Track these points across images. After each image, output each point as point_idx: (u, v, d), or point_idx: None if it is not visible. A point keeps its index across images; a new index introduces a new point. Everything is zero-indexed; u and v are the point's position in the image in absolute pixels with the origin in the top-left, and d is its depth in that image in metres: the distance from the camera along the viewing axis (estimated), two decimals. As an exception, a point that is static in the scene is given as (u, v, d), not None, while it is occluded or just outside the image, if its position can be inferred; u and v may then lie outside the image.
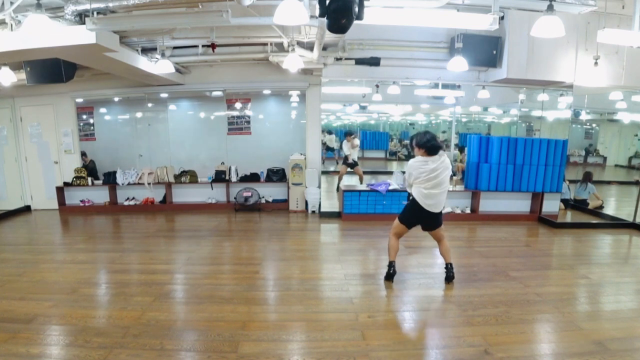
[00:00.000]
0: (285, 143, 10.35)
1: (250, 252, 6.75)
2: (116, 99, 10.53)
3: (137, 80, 8.99)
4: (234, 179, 10.04)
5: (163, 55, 7.64)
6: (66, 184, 10.05)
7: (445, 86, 9.32)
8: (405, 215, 5.35)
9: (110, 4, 4.97)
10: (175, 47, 8.33)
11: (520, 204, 9.08)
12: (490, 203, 9.00)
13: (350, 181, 10.34)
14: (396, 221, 5.42)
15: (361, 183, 8.14)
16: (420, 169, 5.01)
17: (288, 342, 3.90)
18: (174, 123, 10.72)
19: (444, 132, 11.89)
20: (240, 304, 4.72)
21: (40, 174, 10.31)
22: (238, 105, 10.46)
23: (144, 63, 7.55)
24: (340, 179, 10.14)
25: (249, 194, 9.72)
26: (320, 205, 9.41)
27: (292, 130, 10.64)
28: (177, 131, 10.69)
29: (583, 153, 11.18)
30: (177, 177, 10.08)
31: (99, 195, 10.12)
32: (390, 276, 5.43)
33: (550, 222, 8.60)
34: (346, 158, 10.29)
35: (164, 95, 10.30)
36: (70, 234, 8.34)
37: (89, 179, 10.01)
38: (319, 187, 9.48)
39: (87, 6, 4.98)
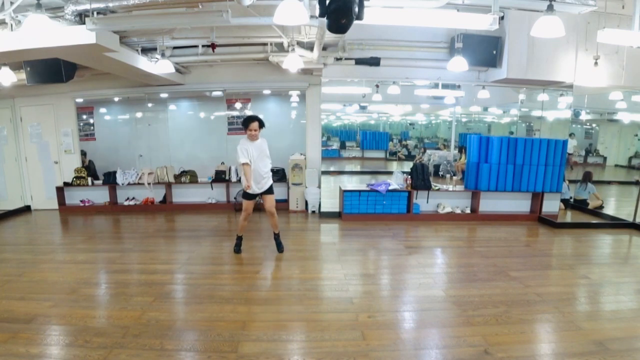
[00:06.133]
0: (285, 143, 10.34)
1: (250, 252, 6.75)
2: (116, 99, 10.52)
3: (137, 80, 8.98)
4: (234, 179, 10.03)
5: (163, 55, 7.63)
6: (66, 184, 10.06)
7: (445, 86, 9.30)
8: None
9: (110, 4, 4.97)
10: (175, 47, 8.32)
11: (520, 204, 9.08)
12: (490, 203, 9.00)
13: (350, 181, 10.34)
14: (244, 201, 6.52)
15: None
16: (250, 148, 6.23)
17: (288, 342, 3.90)
18: (174, 123, 10.71)
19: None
20: (240, 304, 4.73)
21: (40, 174, 10.31)
22: (238, 105, 10.46)
23: (143, 63, 7.55)
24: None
25: (249, 194, 9.71)
26: (320, 205, 9.40)
27: (292, 130, 10.63)
28: (177, 131, 10.68)
29: (583, 153, 11.19)
30: (177, 177, 10.07)
31: (98, 195, 10.12)
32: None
33: (550, 222, 8.60)
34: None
35: (164, 95, 10.30)
36: (70, 234, 8.34)
37: (89, 179, 10.01)
38: (319, 187, 9.45)
39: (87, 6, 4.98)
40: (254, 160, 6.21)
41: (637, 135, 10.56)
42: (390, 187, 8.84)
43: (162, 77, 8.33)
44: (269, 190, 6.47)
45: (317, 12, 4.66)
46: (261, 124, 6.37)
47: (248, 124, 6.25)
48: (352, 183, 10.32)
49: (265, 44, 8.45)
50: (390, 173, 10.52)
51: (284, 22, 4.57)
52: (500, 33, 7.86)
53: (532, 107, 9.71)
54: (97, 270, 5.97)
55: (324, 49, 8.31)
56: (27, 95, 9.82)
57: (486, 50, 8.08)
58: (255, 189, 6.28)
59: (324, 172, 9.69)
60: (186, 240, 7.56)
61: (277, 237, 6.75)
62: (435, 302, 4.83)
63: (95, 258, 6.52)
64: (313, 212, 9.46)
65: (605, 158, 11.27)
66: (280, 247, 6.71)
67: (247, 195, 6.35)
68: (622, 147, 11.07)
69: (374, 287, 5.33)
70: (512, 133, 10.31)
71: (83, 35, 5.27)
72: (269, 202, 6.49)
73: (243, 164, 6.13)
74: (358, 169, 11.89)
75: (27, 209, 10.37)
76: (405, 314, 4.57)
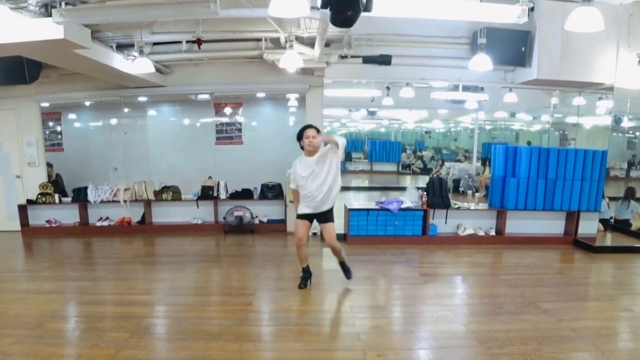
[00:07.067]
0: (282, 154, 10.33)
1: (242, 281, 6.78)
2: (87, 103, 10.58)
3: (112, 81, 9.07)
4: (223, 195, 10.04)
5: (141, 52, 7.59)
6: (30, 201, 10.05)
7: (466, 88, 9.35)
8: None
9: (81, -7, 5.01)
10: (155, 43, 8.41)
11: (552, 224, 9.07)
12: (518, 224, 8.99)
13: (357, 198, 10.36)
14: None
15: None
16: None
17: (285, 384, 3.92)
18: (154, 131, 10.76)
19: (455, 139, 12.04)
20: (230, 340, 4.73)
21: (0, 190, 10.32)
22: (228, 110, 10.52)
23: (119, 61, 7.62)
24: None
25: (241, 213, 9.73)
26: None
27: (290, 139, 10.55)
28: (157, 140, 10.73)
29: (625, 166, 11.20)
30: (158, 194, 10.10)
31: (67, 214, 10.10)
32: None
33: (587, 246, 8.56)
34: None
35: (142, 98, 10.36)
36: (35, 260, 8.37)
37: (56, 195, 10.02)
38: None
39: (53, -5, 5.03)
40: (302, 182, 5.96)
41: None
42: (403, 206, 8.84)
43: (140, 77, 8.39)
44: (327, 217, 6.09)
45: (318, 3, 4.70)
46: (318, 130, 6.05)
47: (302, 133, 5.97)
48: (359, 201, 10.37)
49: (259, 40, 8.52)
50: (403, 189, 10.55)
51: (281, 14, 4.64)
52: (529, 27, 7.92)
53: (567, 112, 9.75)
54: (66, 301, 6.00)
55: (327, 45, 8.37)
56: (-16, 99, 9.87)
57: (514, 47, 8.12)
58: (304, 209, 6.05)
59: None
60: (168, 267, 7.59)
61: (342, 263, 6.43)
62: (455, 338, 4.84)
63: (64, 287, 6.54)
64: (314, 234, 9.43)
65: (651, 171, 11.29)
66: (347, 273, 6.41)
67: (299, 214, 6.14)
68: (671, 159, 11.08)
69: (384, 321, 5.35)
70: (529, 143, 10.34)
71: (49, 30, 5.31)
72: (327, 232, 6.10)
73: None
74: (366, 184, 11.96)
75: (-16, 231, 10.39)
76: (421, 352, 4.59)
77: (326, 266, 7.68)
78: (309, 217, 6.09)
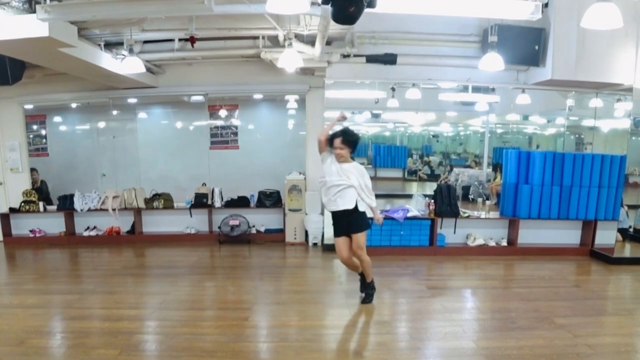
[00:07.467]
0: (281, 159, 10.37)
1: (238, 294, 6.79)
2: (74, 105, 10.58)
3: (100, 82, 9.09)
4: (217, 203, 10.04)
5: (131, 51, 7.55)
6: (12, 209, 10.05)
7: (476, 89, 9.32)
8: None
9: (67, -12, 5.02)
10: (146, 42, 8.43)
11: (568, 234, 9.08)
12: (532, 233, 8.99)
13: (360, 207, 10.32)
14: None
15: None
16: None
17: (284, 405, 3.94)
18: (144, 135, 10.74)
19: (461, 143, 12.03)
20: (226, 357, 4.75)
21: (-20, 199, 10.29)
22: (223, 112, 10.51)
23: (107, 61, 7.63)
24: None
25: (237, 222, 9.74)
26: (323, 236, 9.41)
27: (289, 143, 10.67)
28: (148, 145, 10.71)
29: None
30: (149, 202, 10.10)
31: (52, 223, 10.10)
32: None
33: (604, 257, 8.54)
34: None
35: (132, 100, 10.38)
36: (18, 272, 8.38)
37: (41, 203, 10.02)
38: (322, 214, 9.47)
39: (38, -10, 5.04)
40: (329, 179, 6.03)
41: None
42: (409, 214, 8.86)
43: (130, 78, 8.40)
44: (358, 227, 6.12)
45: (319, -1, 4.74)
46: (348, 142, 6.04)
47: (332, 142, 6.00)
48: (362, 209, 10.30)
49: (256, 38, 8.54)
50: (409, 196, 10.51)
51: (279, 10, 4.65)
52: (543, 24, 7.91)
53: (583, 115, 9.72)
54: (51, 316, 6.01)
55: (328, 43, 8.39)
56: (-37, 102, 9.87)
57: (526, 45, 8.11)
58: (330, 205, 6.11)
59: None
60: (159, 280, 7.61)
61: (367, 286, 6.40)
62: (465, 355, 4.85)
63: (49, 301, 6.55)
64: (315, 244, 9.46)
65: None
66: (367, 298, 6.34)
67: (334, 229, 6.17)
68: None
69: (389, 337, 5.35)
70: (538, 147, 10.30)
71: (33, 27, 5.30)
72: (354, 242, 6.08)
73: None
74: (370, 191, 11.90)
75: (-37, 241, 10.38)
76: (427, 370, 4.60)
77: (327, 279, 7.70)
78: (344, 233, 6.09)
